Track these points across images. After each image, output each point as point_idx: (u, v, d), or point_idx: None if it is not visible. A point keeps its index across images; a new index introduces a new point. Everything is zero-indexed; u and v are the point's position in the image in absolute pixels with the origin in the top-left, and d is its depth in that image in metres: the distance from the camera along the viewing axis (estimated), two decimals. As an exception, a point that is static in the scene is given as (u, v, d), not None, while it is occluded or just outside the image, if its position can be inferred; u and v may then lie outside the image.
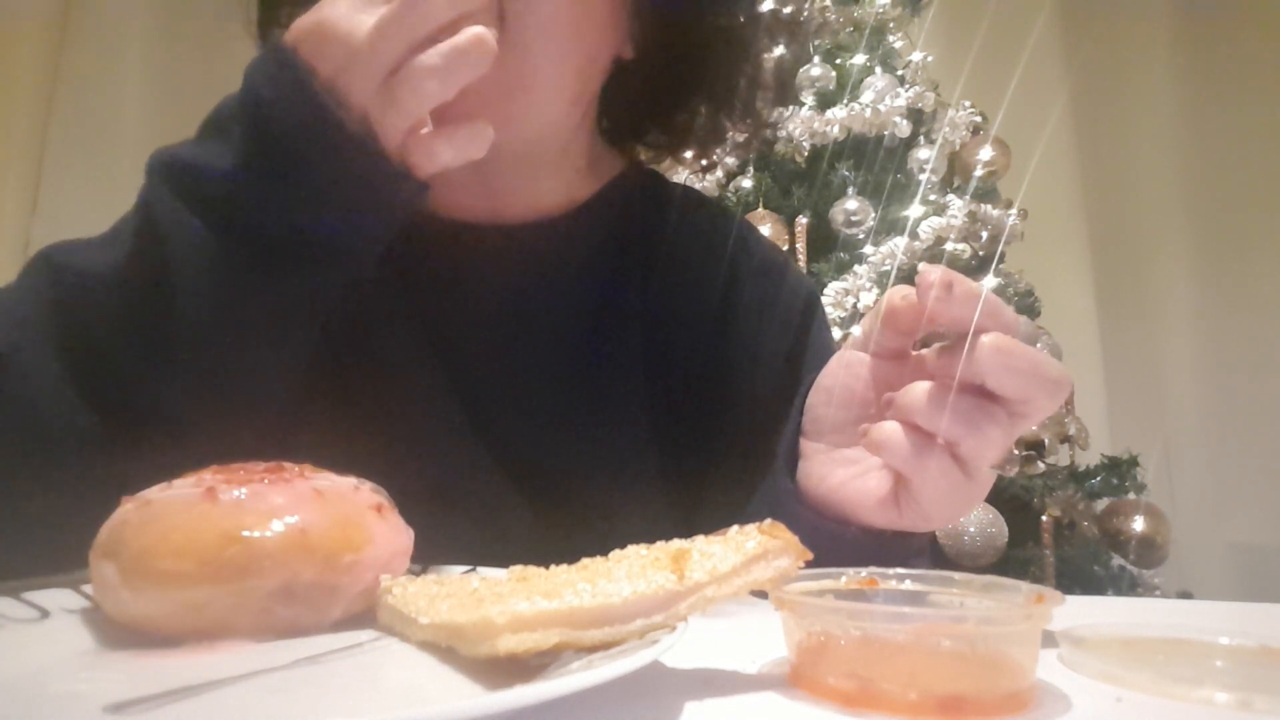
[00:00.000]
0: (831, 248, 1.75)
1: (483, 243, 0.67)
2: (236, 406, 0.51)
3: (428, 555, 0.47)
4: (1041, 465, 1.60)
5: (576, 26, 0.58)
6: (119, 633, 0.37)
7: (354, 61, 0.44)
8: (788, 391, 0.63)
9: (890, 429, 0.44)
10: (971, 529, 1.49)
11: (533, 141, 0.63)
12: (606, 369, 0.67)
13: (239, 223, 0.47)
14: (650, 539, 0.38)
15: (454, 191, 0.67)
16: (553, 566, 0.37)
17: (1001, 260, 1.76)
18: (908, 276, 1.59)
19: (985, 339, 0.41)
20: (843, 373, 0.50)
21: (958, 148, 1.86)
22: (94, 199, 2.13)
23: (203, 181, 0.47)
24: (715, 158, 0.84)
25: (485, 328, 0.67)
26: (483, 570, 0.46)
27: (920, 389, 0.43)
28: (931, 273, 0.42)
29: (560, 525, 0.63)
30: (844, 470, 0.49)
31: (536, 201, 0.68)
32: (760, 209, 1.78)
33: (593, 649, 0.31)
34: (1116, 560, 1.67)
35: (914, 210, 1.72)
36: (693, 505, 0.67)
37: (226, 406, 0.50)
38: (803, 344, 0.69)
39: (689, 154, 0.77)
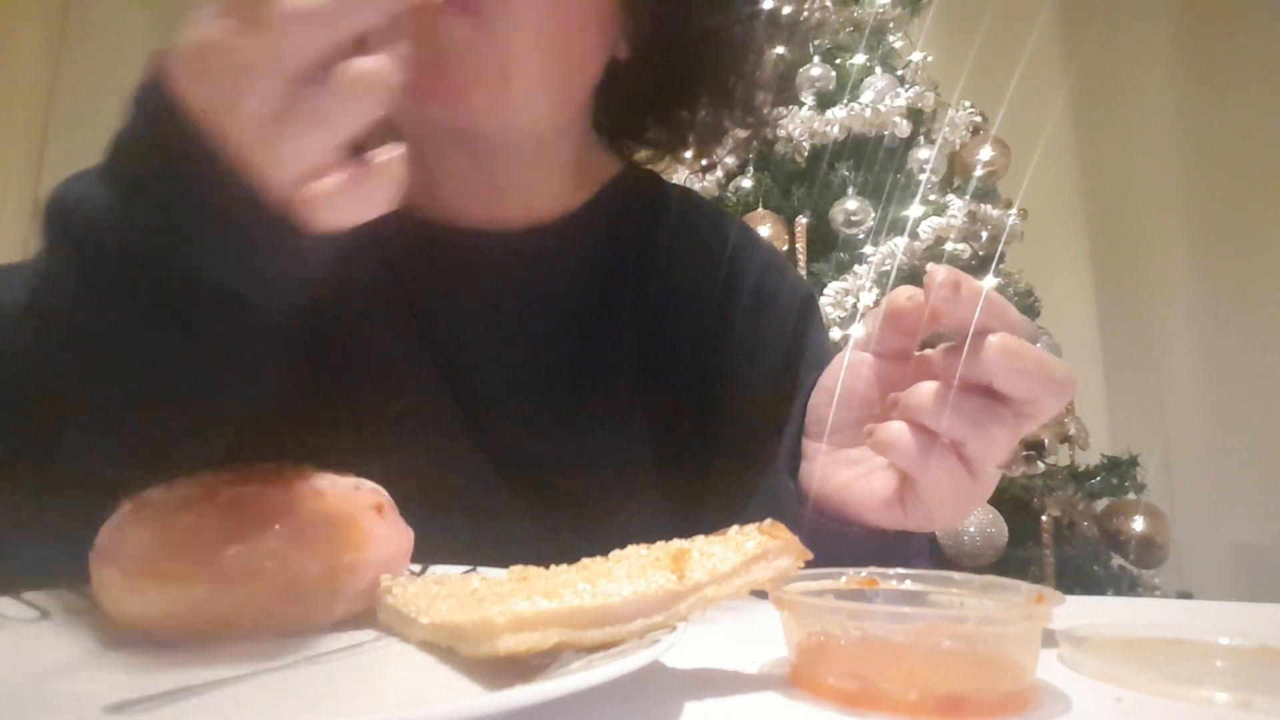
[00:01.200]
0: (831, 248, 1.74)
1: (480, 247, 0.67)
2: (181, 444, 0.46)
3: (428, 555, 0.47)
4: (1041, 465, 1.60)
5: (555, 19, 0.57)
6: (119, 633, 0.37)
7: (231, 94, 0.36)
8: (785, 392, 0.64)
9: (896, 429, 0.44)
10: (971, 529, 1.49)
11: (520, 138, 0.63)
12: (605, 371, 0.67)
13: (116, 273, 0.41)
14: (650, 539, 0.38)
15: (450, 196, 0.67)
16: (553, 566, 0.37)
17: (1001, 260, 1.76)
18: (908, 276, 1.59)
19: (992, 339, 0.41)
20: (845, 373, 0.50)
21: (958, 148, 1.86)
22: (94, 199, 2.12)
23: (77, 226, 0.42)
24: (715, 158, 0.83)
25: (484, 331, 0.67)
26: (483, 570, 0.46)
27: (926, 389, 0.43)
28: (938, 273, 0.42)
29: (560, 526, 0.63)
30: (848, 471, 0.49)
31: (533, 205, 0.68)
32: (760, 209, 1.78)
33: (593, 649, 0.31)
34: (1116, 560, 1.67)
35: (914, 210, 1.71)
36: (692, 505, 0.67)
37: (167, 449, 0.45)
38: (800, 345, 0.69)
39: (687, 154, 0.77)
